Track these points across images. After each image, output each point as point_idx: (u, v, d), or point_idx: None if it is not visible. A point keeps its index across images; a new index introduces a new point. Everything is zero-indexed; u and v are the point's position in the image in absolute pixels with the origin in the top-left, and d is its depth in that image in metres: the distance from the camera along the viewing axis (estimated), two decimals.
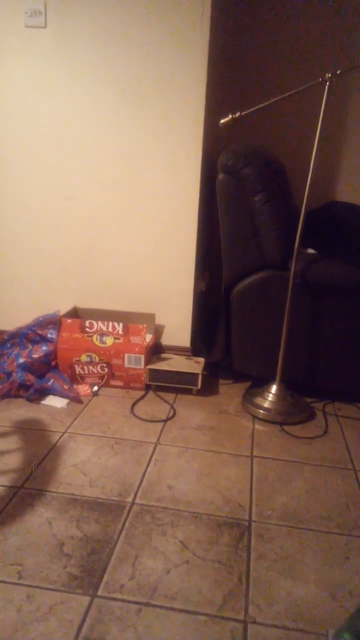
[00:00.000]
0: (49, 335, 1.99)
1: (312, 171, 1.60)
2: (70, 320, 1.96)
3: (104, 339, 1.94)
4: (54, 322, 2.01)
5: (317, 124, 1.57)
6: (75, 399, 1.87)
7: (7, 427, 1.67)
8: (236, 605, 1.02)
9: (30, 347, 1.98)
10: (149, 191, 1.98)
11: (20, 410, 1.78)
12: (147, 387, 1.99)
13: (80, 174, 2.00)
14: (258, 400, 1.83)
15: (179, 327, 2.16)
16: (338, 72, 1.52)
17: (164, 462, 1.51)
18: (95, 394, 1.94)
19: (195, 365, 1.97)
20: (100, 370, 1.97)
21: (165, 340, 2.18)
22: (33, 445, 1.56)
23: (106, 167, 1.98)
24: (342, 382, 1.87)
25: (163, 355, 2.08)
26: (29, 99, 1.92)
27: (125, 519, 1.25)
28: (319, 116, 1.56)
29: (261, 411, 1.78)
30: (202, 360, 2.04)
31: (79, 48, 1.84)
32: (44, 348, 1.96)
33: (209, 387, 2.03)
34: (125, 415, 1.79)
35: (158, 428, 1.71)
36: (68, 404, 1.85)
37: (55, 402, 1.85)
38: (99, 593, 1.03)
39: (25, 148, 1.99)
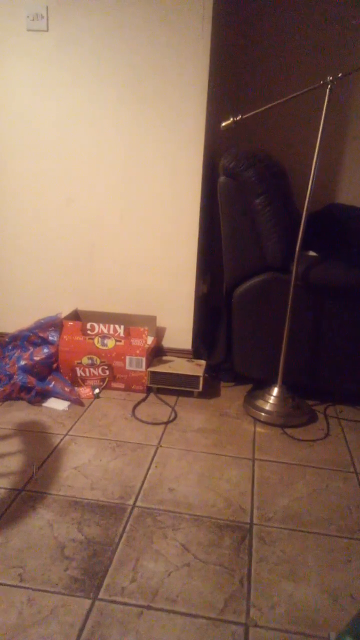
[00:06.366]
0: (50, 338, 2.00)
1: (314, 174, 1.60)
2: (71, 323, 1.97)
3: (105, 341, 1.94)
4: (56, 324, 2.01)
5: (319, 126, 1.57)
6: (77, 402, 1.87)
7: (8, 429, 1.67)
8: (237, 608, 1.02)
9: (32, 350, 1.98)
10: (150, 193, 1.99)
11: (21, 412, 1.79)
12: (149, 390, 1.99)
13: (81, 177, 2.00)
14: (259, 402, 1.83)
15: (180, 330, 2.16)
16: (339, 75, 1.52)
17: (165, 464, 1.51)
18: (97, 396, 1.94)
19: (196, 368, 1.97)
20: (101, 373, 1.97)
21: (167, 343, 2.18)
22: (34, 447, 1.56)
23: (107, 169, 1.98)
24: (343, 384, 1.87)
25: (164, 357, 2.08)
26: (31, 101, 1.93)
27: (127, 522, 1.25)
28: (321, 119, 1.56)
29: (263, 414, 1.78)
30: (203, 362, 2.03)
31: (80, 51, 1.84)
32: (45, 350, 1.96)
33: (210, 390, 2.03)
34: (126, 417, 1.79)
35: (159, 430, 1.70)
36: (69, 406, 1.85)
37: (56, 404, 1.85)
38: (100, 596, 1.03)
39: (26, 150, 2.00)
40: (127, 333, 1.93)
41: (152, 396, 1.96)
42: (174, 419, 1.79)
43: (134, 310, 2.15)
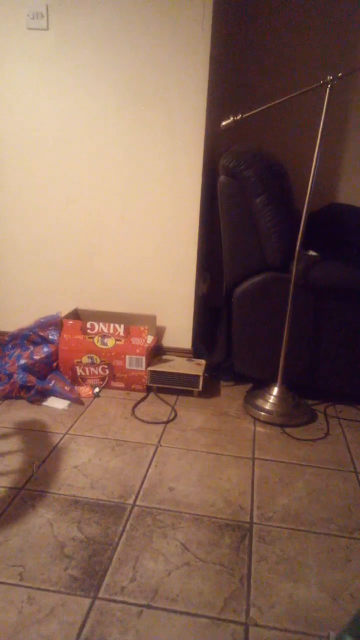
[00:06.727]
0: (50, 337, 2.00)
1: (314, 174, 1.60)
2: (71, 322, 1.96)
3: (105, 340, 1.94)
4: (56, 323, 2.01)
5: (319, 126, 1.57)
6: (77, 401, 1.87)
7: (8, 428, 1.67)
8: (237, 607, 1.02)
9: (32, 349, 1.98)
10: (150, 193, 1.98)
11: (21, 411, 1.79)
12: (149, 389, 1.99)
13: (81, 177, 2.00)
14: (259, 402, 1.83)
15: (180, 329, 2.16)
16: (339, 74, 1.52)
17: (165, 464, 1.51)
18: (97, 395, 1.94)
19: (196, 367, 1.97)
20: (101, 372, 1.97)
21: (167, 342, 2.18)
22: (34, 446, 1.56)
23: (107, 169, 1.98)
24: (343, 384, 1.87)
25: (164, 356, 2.08)
26: (30, 101, 1.93)
27: (126, 521, 1.25)
28: (321, 118, 1.56)
29: (262, 413, 1.78)
30: (203, 362, 2.03)
31: (80, 50, 1.84)
32: (45, 349, 1.96)
33: (210, 389, 2.03)
34: (126, 417, 1.79)
35: (159, 430, 1.70)
36: (69, 405, 1.85)
37: (56, 403, 1.85)
38: (100, 595, 1.03)
39: (26, 151, 1.99)
40: (127, 332, 1.93)
41: (152, 395, 1.96)
42: (174, 418, 1.79)
43: (134, 310, 2.15)
